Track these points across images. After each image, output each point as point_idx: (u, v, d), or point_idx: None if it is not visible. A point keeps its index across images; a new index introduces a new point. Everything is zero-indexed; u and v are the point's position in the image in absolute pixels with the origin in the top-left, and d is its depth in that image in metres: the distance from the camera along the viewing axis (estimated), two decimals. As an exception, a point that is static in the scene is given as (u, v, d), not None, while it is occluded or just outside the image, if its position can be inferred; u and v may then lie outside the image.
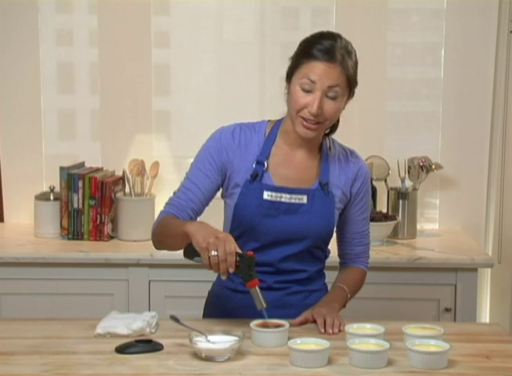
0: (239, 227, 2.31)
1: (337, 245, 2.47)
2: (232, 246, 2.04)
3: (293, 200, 2.28)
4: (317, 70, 2.18)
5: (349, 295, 2.38)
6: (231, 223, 2.33)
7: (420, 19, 3.69)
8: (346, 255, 2.46)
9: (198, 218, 2.32)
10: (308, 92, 2.19)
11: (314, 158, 2.33)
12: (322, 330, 2.19)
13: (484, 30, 3.58)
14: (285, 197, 2.28)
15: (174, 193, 2.33)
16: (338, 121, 2.35)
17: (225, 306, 2.37)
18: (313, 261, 2.36)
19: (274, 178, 2.30)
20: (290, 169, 2.32)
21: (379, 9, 3.62)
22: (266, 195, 2.28)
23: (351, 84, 2.23)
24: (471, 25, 3.59)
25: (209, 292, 2.47)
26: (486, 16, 3.57)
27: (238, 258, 2.05)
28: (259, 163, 2.29)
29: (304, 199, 2.29)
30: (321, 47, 2.19)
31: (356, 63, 2.25)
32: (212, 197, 2.34)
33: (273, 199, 2.28)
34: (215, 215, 2.44)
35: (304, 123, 2.22)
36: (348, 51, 2.22)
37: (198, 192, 2.30)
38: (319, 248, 2.36)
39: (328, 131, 2.36)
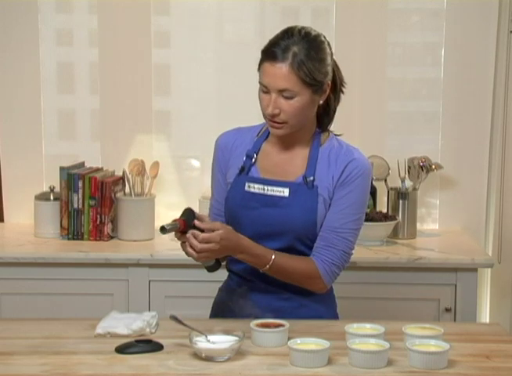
0: (228, 221, 2.33)
1: None
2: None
3: (273, 193, 2.27)
4: (267, 73, 2.18)
5: (270, 264, 2.21)
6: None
7: (420, 19, 3.69)
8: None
9: None
10: (266, 93, 2.20)
11: (303, 153, 2.31)
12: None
13: (484, 30, 3.58)
14: (267, 189, 2.28)
15: (210, 209, 2.43)
16: (330, 115, 2.31)
17: (229, 308, 2.35)
18: None
19: (260, 170, 2.31)
20: (276, 162, 2.32)
21: (379, 9, 3.61)
22: (247, 186, 2.29)
23: (309, 82, 2.16)
24: (471, 25, 3.59)
25: (219, 289, 2.47)
26: (486, 16, 3.56)
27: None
28: (248, 156, 2.32)
29: (286, 192, 2.27)
30: (274, 47, 2.17)
31: (321, 59, 2.16)
32: None
33: (255, 191, 2.29)
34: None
35: (270, 122, 2.23)
36: (309, 48, 2.15)
37: (223, 207, 2.37)
38: (306, 246, 2.28)
39: (321, 124, 2.32)
